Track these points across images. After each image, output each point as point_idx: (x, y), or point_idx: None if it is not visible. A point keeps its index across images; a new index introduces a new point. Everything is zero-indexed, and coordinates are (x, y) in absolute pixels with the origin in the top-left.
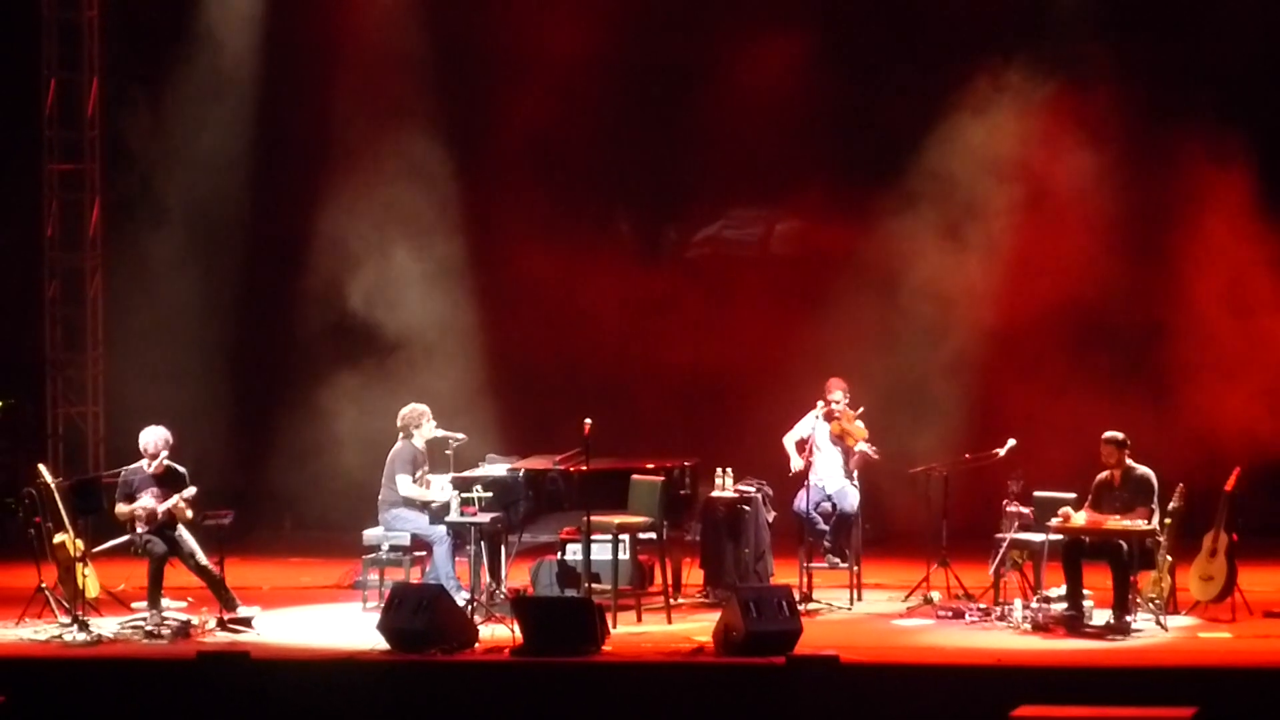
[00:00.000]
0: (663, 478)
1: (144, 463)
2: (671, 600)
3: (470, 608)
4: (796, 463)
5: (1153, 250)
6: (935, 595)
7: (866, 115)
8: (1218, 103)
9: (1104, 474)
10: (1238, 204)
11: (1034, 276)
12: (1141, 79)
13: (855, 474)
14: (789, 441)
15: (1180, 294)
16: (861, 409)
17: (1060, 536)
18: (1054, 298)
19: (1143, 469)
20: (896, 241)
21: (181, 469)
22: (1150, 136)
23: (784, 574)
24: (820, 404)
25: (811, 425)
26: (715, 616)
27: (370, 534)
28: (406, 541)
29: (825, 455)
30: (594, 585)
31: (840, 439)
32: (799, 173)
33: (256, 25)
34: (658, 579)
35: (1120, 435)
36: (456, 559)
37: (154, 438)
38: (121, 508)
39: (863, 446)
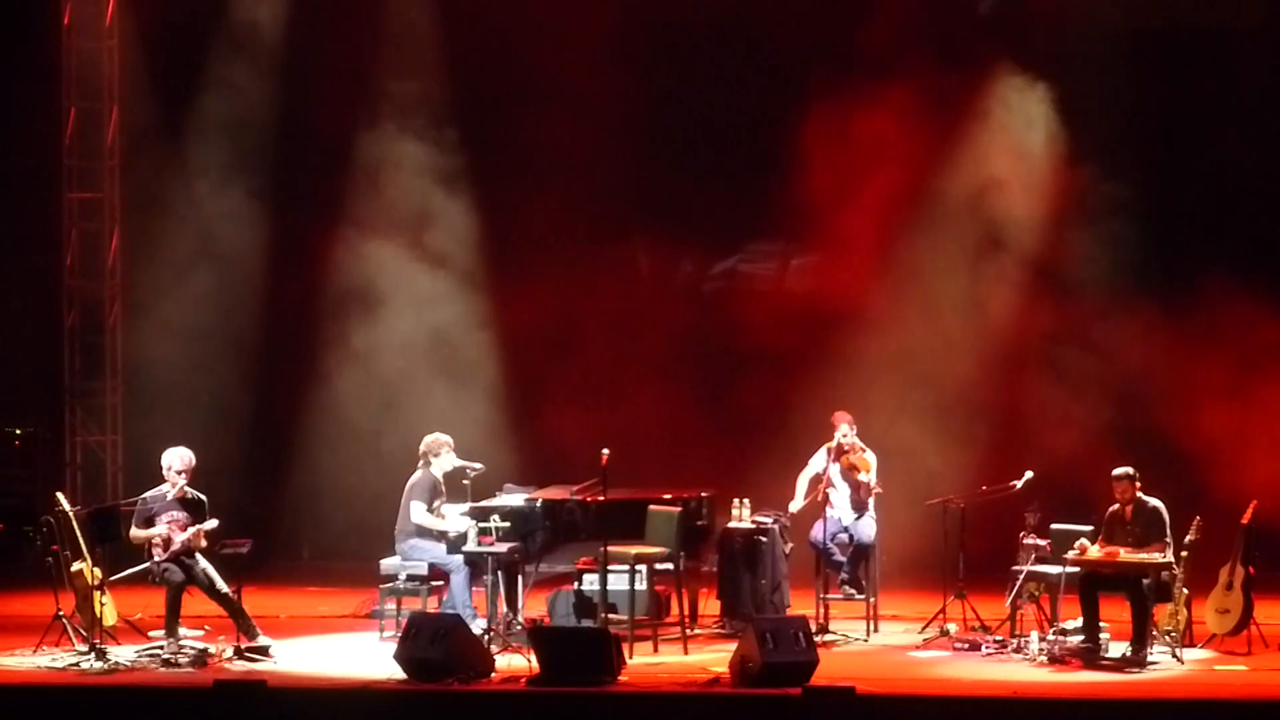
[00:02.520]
0: (680, 508)
1: (165, 487)
2: (688, 631)
3: (487, 638)
4: (797, 504)
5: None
6: (952, 627)
7: (880, 149)
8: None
9: (1115, 506)
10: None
11: (1049, 307)
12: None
13: (871, 504)
14: (802, 479)
15: (1194, 331)
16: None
17: (1077, 569)
18: (1067, 329)
19: (1154, 501)
20: (912, 276)
21: (202, 496)
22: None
23: (800, 605)
24: (837, 435)
25: (824, 461)
26: (732, 647)
27: (387, 563)
28: (424, 571)
29: (839, 489)
30: (610, 616)
31: (850, 472)
32: (815, 208)
33: (274, 52)
34: (674, 609)
35: (1131, 470)
36: (473, 589)
37: (178, 456)
38: (137, 531)
39: (864, 477)
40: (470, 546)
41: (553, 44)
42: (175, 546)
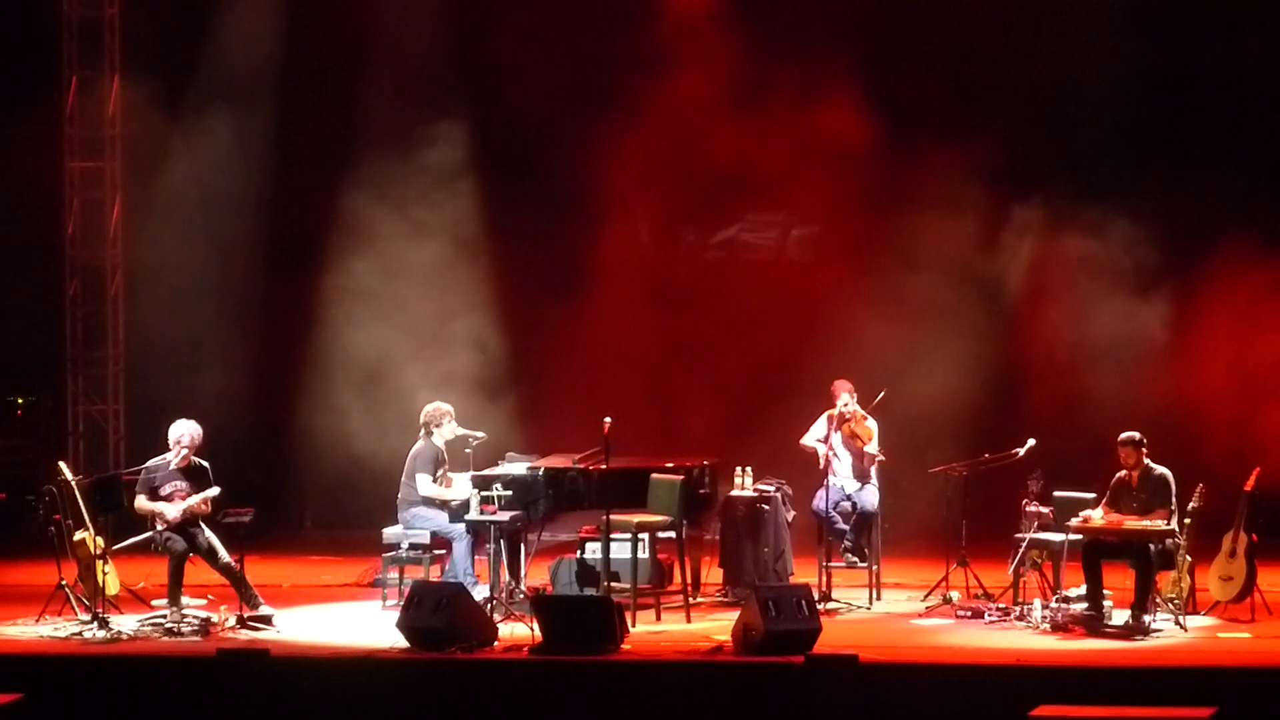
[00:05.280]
0: (682, 477)
1: (167, 456)
2: (690, 599)
3: (489, 606)
4: (823, 449)
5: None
6: (954, 595)
7: (879, 120)
8: None
9: (1122, 473)
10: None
11: (1052, 273)
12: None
13: (874, 472)
14: (808, 442)
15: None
16: (883, 393)
17: (1080, 536)
18: (1069, 295)
19: (1160, 469)
20: (911, 245)
21: (205, 464)
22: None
23: (803, 573)
24: (838, 404)
25: (825, 428)
26: (734, 615)
27: (390, 532)
28: (426, 540)
29: (841, 459)
30: (613, 584)
31: (851, 440)
32: (816, 177)
33: (278, 23)
34: (677, 578)
35: (1137, 435)
36: (476, 557)
37: (187, 429)
38: (142, 502)
39: (869, 447)
40: (473, 515)
41: (552, 9)
42: (177, 514)
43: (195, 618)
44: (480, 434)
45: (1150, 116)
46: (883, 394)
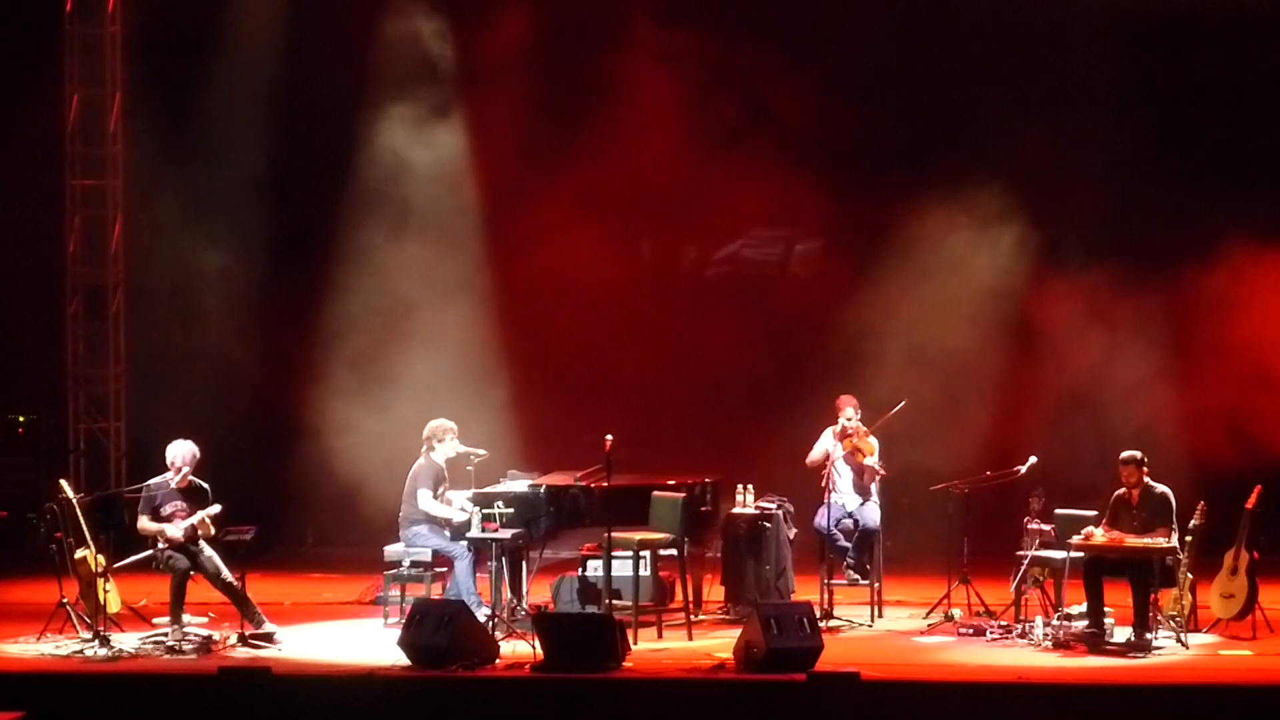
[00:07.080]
0: (684, 494)
1: (167, 476)
2: (692, 617)
3: (491, 624)
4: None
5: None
6: (956, 612)
7: (883, 135)
8: None
9: (1122, 491)
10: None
11: (1055, 289)
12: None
13: (875, 489)
14: (815, 456)
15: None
16: (903, 403)
17: (1081, 554)
18: (1073, 311)
19: (1161, 488)
20: (917, 261)
21: (204, 485)
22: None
23: (805, 591)
24: (841, 419)
25: (829, 444)
26: (736, 633)
27: (391, 550)
28: (428, 557)
29: (842, 475)
30: (615, 601)
31: (853, 455)
32: (817, 194)
33: (279, 38)
34: (679, 595)
35: (1138, 454)
36: (477, 575)
37: (182, 451)
38: (144, 522)
39: (870, 460)
40: (474, 533)
41: (560, 24)
42: (180, 534)
43: (197, 636)
44: (482, 451)
45: (1151, 130)
46: (902, 404)
